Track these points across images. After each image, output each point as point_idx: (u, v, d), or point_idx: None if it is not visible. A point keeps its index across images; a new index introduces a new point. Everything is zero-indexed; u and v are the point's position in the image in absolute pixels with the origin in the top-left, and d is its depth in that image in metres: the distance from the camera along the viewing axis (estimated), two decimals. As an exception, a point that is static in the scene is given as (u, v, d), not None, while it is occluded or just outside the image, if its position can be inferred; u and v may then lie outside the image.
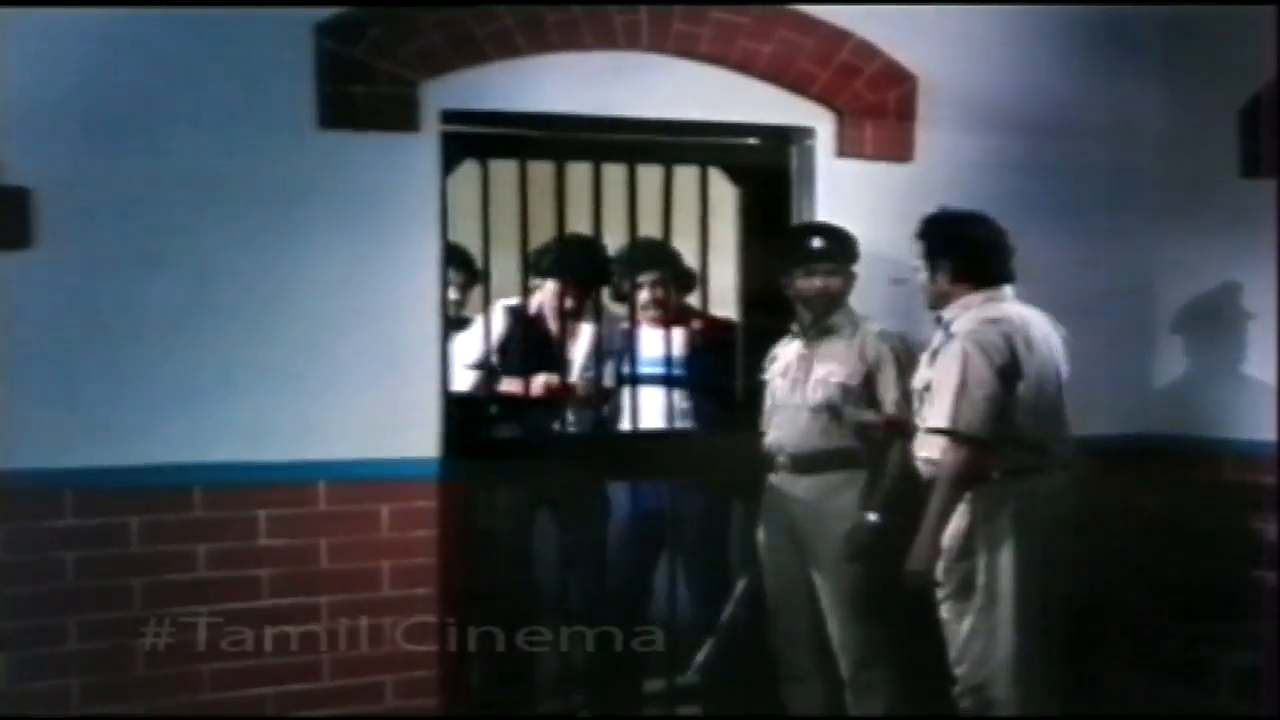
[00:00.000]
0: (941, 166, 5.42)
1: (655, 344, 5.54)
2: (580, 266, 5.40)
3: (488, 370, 5.40)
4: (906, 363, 4.91)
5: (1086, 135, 5.65)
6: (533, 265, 5.43)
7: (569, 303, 5.44)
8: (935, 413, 4.58)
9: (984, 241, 4.75)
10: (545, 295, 5.56)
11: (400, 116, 4.75)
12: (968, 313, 4.66)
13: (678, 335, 5.60)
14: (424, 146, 4.81)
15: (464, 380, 5.35)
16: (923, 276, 4.80)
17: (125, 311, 4.51)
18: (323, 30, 4.66)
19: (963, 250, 4.72)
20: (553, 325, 5.54)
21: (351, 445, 4.73)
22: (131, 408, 4.50)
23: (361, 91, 4.71)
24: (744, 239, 5.48)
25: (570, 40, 4.94)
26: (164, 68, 4.52)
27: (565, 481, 5.31)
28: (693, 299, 5.73)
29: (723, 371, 5.50)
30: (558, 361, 5.43)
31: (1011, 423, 4.57)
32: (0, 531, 4.40)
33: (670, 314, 5.57)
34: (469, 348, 5.41)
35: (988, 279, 4.72)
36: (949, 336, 4.62)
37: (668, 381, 5.55)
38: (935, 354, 4.68)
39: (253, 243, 4.62)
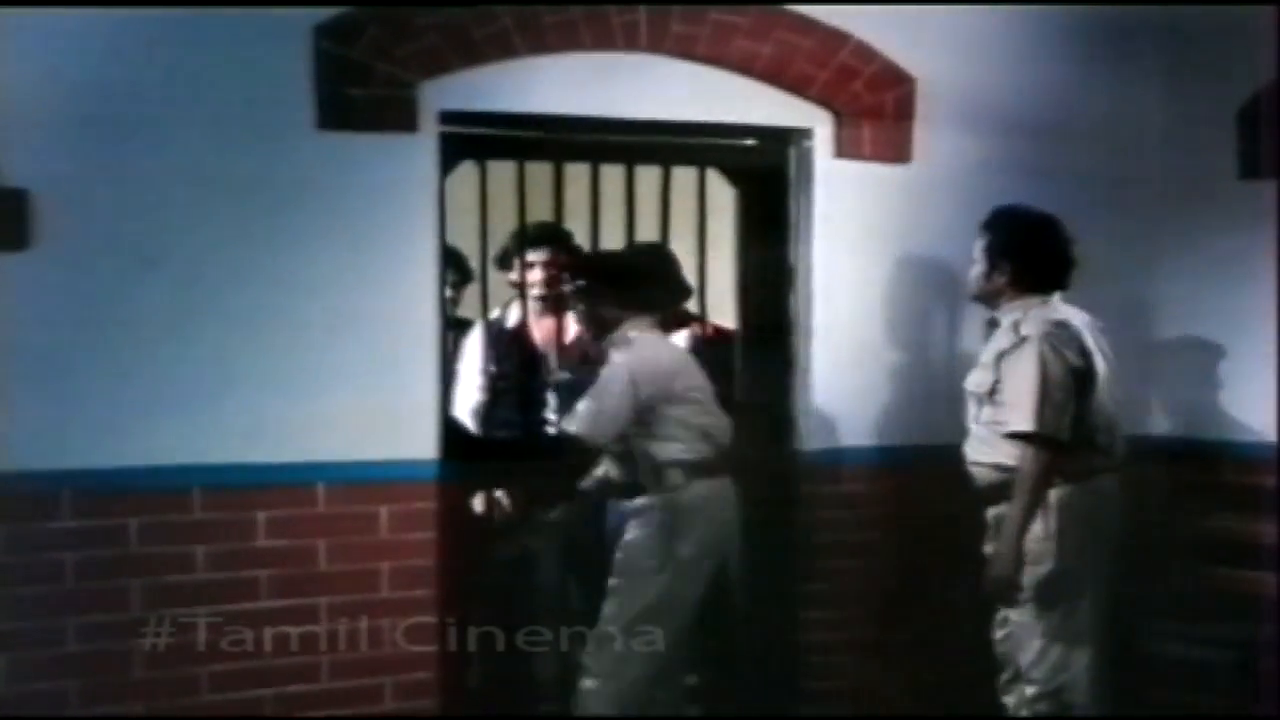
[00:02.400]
0: (940, 168, 5.44)
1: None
2: (547, 240, 5.43)
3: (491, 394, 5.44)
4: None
5: (1085, 137, 5.66)
6: (499, 260, 5.45)
7: (543, 280, 5.47)
8: (1016, 416, 4.58)
9: (1051, 250, 4.79)
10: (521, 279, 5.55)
11: (398, 117, 4.74)
12: (1030, 313, 4.69)
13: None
14: (422, 147, 4.80)
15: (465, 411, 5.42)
16: (977, 269, 4.83)
17: (123, 313, 4.50)
18: (321, 31, 4.66)
19: (1028, 255, 4.76)
20: (532, 316, 5.54)
21: (350, 446, 4.72)
22: (130, 409, 4.49)
23: (360, 92, 4.70)
24: (742, 240, 5.49)
25: (568, 41, 4.94)
26: (162, 69, 4.52)
27: (563, 483, 5.30)
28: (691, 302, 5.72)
29: (721, 377, 5.52)
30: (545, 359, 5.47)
31: (1084, 425, 4.62)
32: (-1, 532, 4.40)
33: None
34: (466, 386, 5.47)
35: (1045, 286, 4.77)
36: (1020, 338, 4.62)
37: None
38: (1001, 355, 4.66)
39: (251, 244, 4.61)
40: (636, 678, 4.82)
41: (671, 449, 4.81)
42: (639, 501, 4.87)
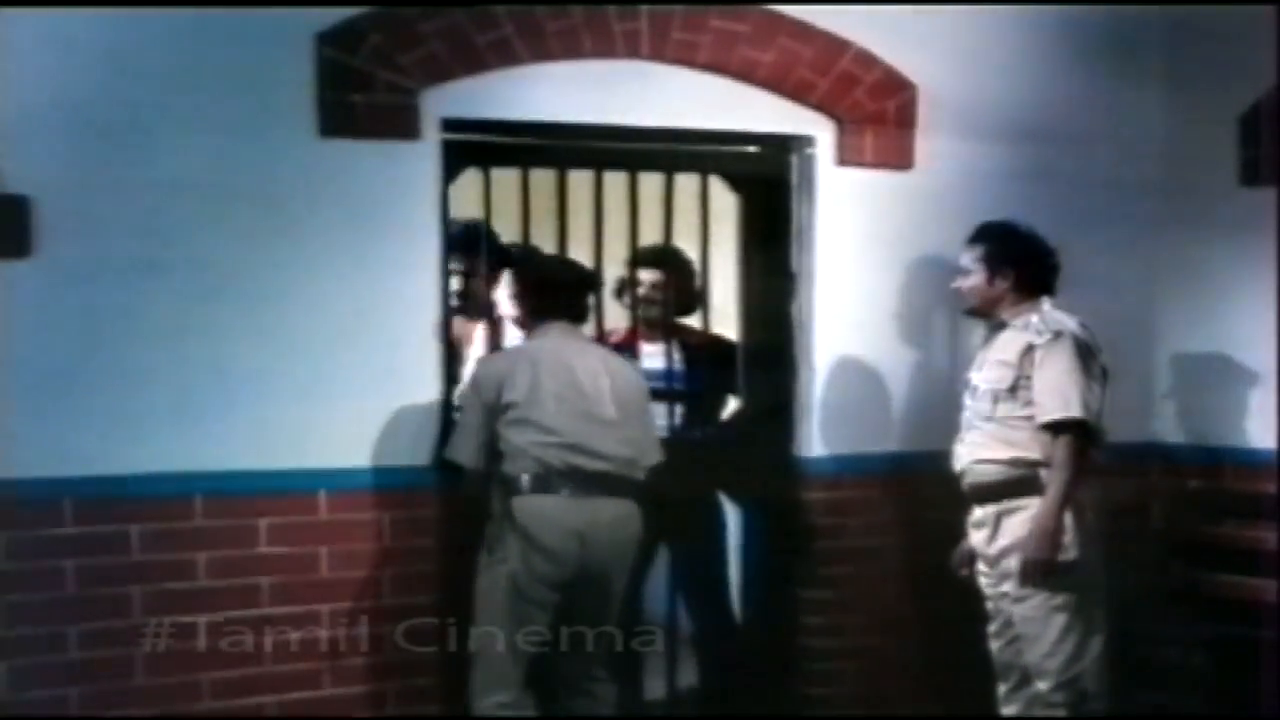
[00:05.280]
0: (941, 174, 5.44)
1: (653, 358, 5.51)
2: (464, 244, 5.21)
3: None
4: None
5: (1086, 143, 5.67)
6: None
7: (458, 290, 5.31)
8: (1055, 405, 4.66)
9: (1047, 255, 4.89)
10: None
11: (400, 124, 4.74)
12: (1043, 314, 4.77)
13: (673, 348, 5.55)
14: (424, 154, 4.80)
15: None
16: (975, 279, 4.87)
17: (125, 320, 4.50)
18: (324, 38, 4.66)
19: (1029, 261, 4.85)
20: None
21: (352, 453, 4.73)
22: (132, 416, 4.49)
23: (362, 99, 4.70)
24: (744, 247, 5.49)
25: (570, 49, 4.94)
26: (164, 76, 4.52)
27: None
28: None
29: (718, 386, 5.52)
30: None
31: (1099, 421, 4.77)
32: (1, 539, 4.39)
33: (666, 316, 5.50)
34: None
35: (1042, 290, 4.85)
36: (1054, 334, 4.71)
37: (665, 396, 5.51)
38: (1028, 350, 4.71)
39: (253, 251, 4.61)
40: (494, 697, 4.63)
41: (504, 463, 4.67)
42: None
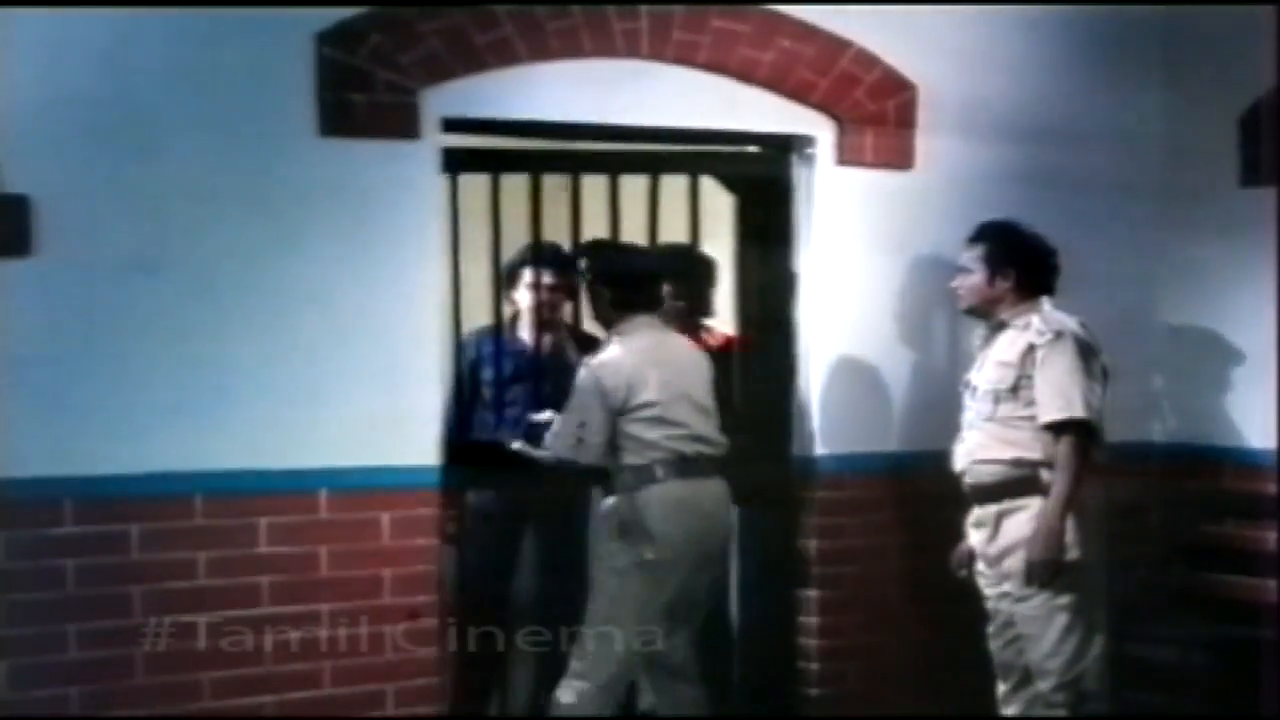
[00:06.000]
0: (942, 175, 5.45)
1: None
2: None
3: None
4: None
5: (1087, 143, 5.67)
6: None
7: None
8: (1057, 405, 4.66)
9: (1048, 255, 4.90)
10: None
11: (400, 124, 4.74)
12: (1044, 314, 4.78)
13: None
14: (424, 154, 4.81)
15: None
16: (975, 279, 4.87)
17: (125, 319, 4.50)
18: (323, 38, 4.66)
19: (1030, 261, 4.86)
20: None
21: (352, 452, 4.72)
22: (132, 415, 4.49)
23: (361, 99, 4.70)
24: (743, 247, 5.49)
25: (570, 48, 4.94)
26: (164, 75, 4.51)
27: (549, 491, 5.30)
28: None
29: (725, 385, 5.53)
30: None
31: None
32: (0, 539, 4.38)
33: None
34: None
35: (1042, 290, 4.86)
36: (1055, 334, 4.71)
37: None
38: (1030, 350, 4.72)
39: (253, 250, 4.61)
40: (610, 677, 4.80)
41: (627, 456, 4.80)
42: (608, 502, 4.89)
